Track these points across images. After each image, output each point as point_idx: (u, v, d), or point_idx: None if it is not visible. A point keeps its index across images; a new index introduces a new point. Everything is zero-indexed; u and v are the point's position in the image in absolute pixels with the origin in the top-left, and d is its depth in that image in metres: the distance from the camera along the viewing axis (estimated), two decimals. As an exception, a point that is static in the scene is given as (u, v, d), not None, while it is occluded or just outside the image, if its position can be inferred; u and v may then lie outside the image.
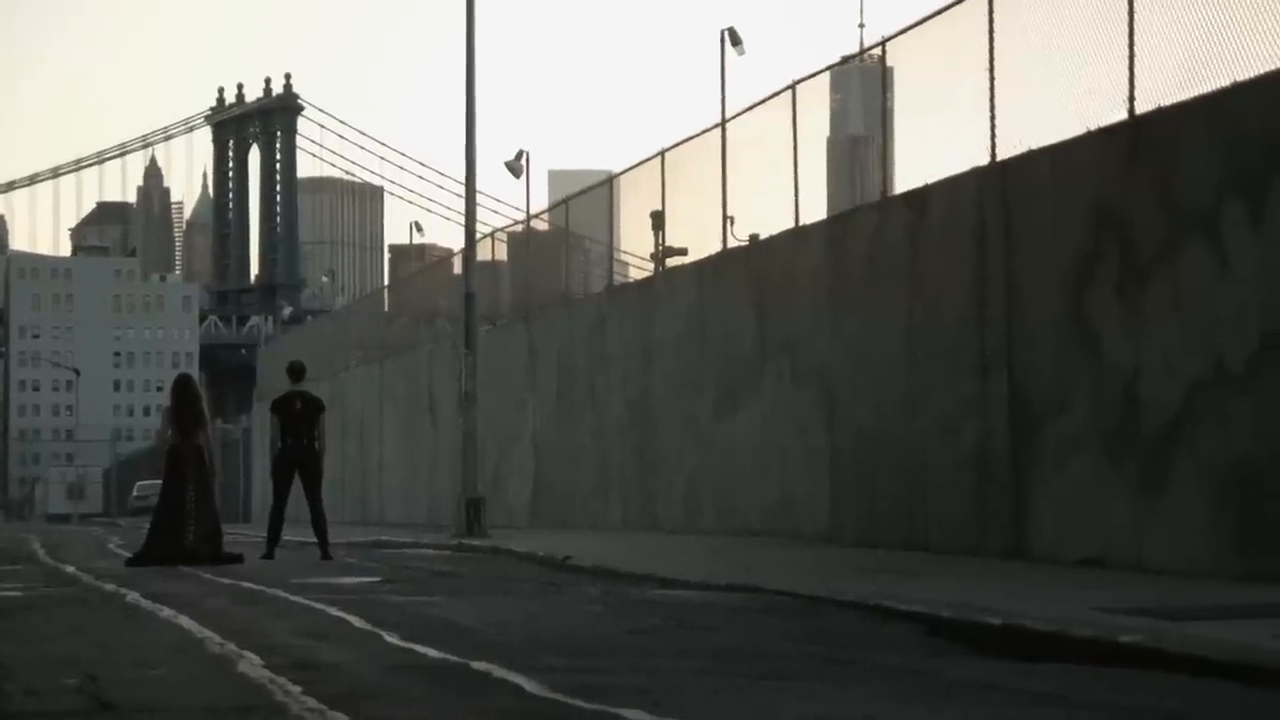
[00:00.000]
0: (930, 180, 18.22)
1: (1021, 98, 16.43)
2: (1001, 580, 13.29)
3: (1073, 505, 15.24)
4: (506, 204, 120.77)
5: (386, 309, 51.30)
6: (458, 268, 35.09)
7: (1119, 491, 14.58)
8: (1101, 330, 14.89)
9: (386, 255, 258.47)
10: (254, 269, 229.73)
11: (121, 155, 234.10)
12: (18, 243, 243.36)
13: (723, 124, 24.38)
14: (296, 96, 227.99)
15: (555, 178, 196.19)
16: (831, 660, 9.09)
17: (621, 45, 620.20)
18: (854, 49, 27.14)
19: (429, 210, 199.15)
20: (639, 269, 28.96)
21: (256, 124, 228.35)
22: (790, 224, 21.77)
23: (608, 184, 30.05)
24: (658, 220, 27.03)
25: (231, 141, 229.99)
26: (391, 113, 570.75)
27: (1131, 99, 14.65)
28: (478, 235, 30.62)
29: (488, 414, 29.87)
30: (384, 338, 46.41)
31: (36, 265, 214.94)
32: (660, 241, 27.25)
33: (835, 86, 22.81)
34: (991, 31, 16.81)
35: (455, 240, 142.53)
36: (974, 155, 17.13)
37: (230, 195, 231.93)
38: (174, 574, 17.93)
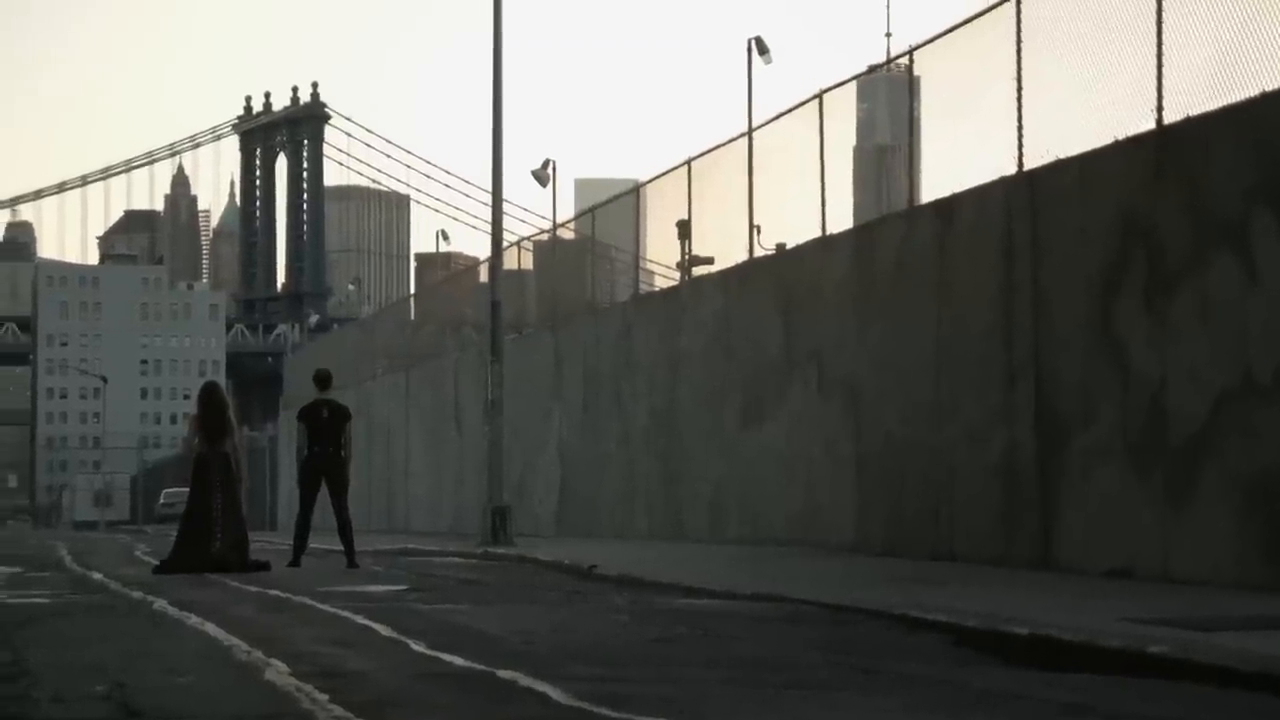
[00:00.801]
0: (957, 189, 18.20)
1: (1049, 107, 16.40)
2: (1028, 590, 13.26)
3: (1100, 515, 15.20)
4: (533, 212, 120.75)
5: (413, 317, 51.32)
6: (484, 276, 35.10)
7: (1146, 502, 14.54)
8: (1129, 340, 14.86)
9: (413, 263, 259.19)
10: (281, 277, 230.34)
11: (149, 164, 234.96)
12: (46, 250, 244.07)
13: (749, 133, 24.35)
14: (323, 105, 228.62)
15: (582, 186, 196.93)
16: (857, 669, 9.08)
17: (648, 54, 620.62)
18: (881, 58, 27.19)
19: (455, 219, 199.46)
20: (665, 278, 28.95)
21: (284, 132, 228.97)
22: (817, 233, 21.75)
23: (634, 193, 30.04)
24: (684, 229, 27.01)
25: (259, 150, 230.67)
26: (418, 121, 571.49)
27: (1159, 108, 14.61)
28: (504, 244, 30.62)
29: (513, 422, 29.88)
30: (410, 346, 46.43)
31: (64, 273, 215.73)
32: (686, 250, 27.23)
33: (862, 95, 22.79)
34: (1019, 40, 16.78)
35: (481, 249, 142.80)
36: (1001, 164, 17.12)
37: (257, 203, 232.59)
38: (201, 581, 17.96)
